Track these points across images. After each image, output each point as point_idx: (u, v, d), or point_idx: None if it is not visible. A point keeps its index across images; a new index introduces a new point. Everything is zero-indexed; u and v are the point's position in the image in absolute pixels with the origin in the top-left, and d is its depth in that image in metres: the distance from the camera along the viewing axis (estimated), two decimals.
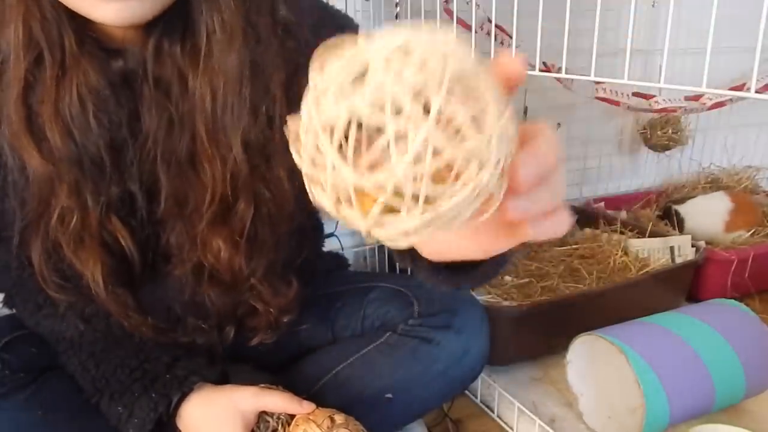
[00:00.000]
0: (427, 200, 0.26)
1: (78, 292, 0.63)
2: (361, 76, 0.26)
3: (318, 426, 0.65)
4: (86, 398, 0.67)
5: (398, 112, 0.25)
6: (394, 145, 0.25)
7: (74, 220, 0.58)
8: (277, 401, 0.67)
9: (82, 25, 0.55)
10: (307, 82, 0.28)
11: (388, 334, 0.77)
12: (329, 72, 0.27)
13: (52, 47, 0.54)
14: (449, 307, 0.78)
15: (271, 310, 0.70)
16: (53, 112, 0.54)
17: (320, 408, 0.68)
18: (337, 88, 0.26)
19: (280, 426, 0.68)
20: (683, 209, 1.58)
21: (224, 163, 0.59)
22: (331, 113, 0.26)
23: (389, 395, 0.75)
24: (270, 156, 0.61)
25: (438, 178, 0.26)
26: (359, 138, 0.26)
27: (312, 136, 0.27)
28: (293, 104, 0.40)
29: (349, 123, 0.26)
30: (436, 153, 0.25)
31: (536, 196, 0.29)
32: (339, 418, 0.67)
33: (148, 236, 0.64)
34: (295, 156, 0.29)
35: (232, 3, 0.56)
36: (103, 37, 0.58)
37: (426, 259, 0.40)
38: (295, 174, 0.49)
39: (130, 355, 0.67)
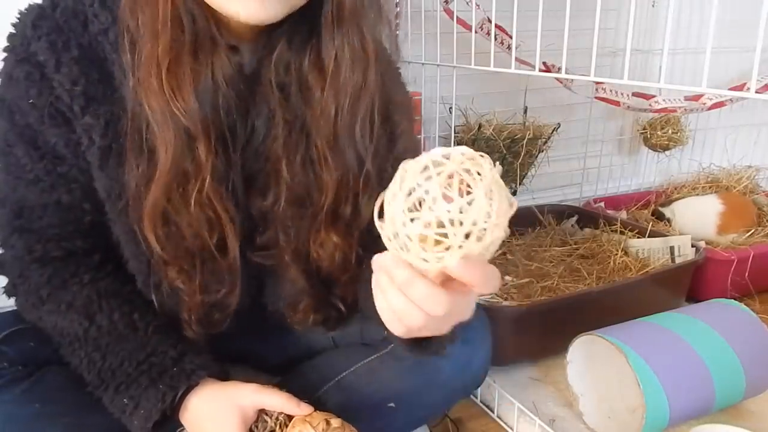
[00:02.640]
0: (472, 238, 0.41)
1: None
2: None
3: (314, 428, 0.65)
4: (88, 391, 0.67)
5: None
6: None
7: (192, 183, 0.62)
8: (275, 400, 0.68)
9: (208, 16, 0.60)
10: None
11: (392, 345, 0.76)
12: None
13: (189, 29, 0.59)
14: None
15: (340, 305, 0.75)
16: (186, 84, 0.59)
17: (318, 411, 0.68)
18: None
19: (277, 427, 0.68)
20: (668, 211, 1.58)
21: (339, 170, 0.66)
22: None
23: (392, 404, 0.75)
24: (365, 167, 0.68)
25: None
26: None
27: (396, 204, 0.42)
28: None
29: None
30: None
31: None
32: (335, 422, 0.67)
33: (247, 229, 0.68)
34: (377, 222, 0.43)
35: (358, 28, 0.62)
36: (222, 32, 0.62)
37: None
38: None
39: (137, 349, 0.67)
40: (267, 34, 0.64)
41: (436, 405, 0.80)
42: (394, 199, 0.42)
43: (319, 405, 0.72)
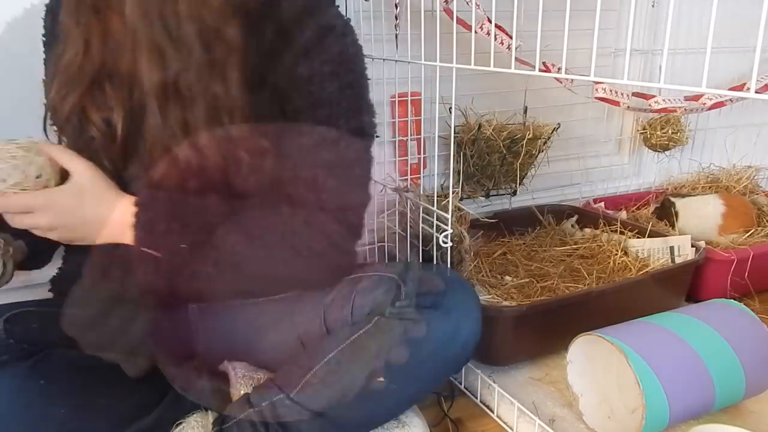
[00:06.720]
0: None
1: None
2: None
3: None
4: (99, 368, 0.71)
5: None
6: None
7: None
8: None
9: None
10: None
11: (376, 318, 0.77)
12: None
13: None
14: (437, 288, 0.77)
15: None
16: None
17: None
18: None
19: None
20: (680, 203, 1.58)
21: None
22: None
23: (381, 379, 0.75)
24: None
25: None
26: None
27: None
28: None
29: None
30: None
31: None
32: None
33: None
34: None
35: None
36: None
37: None
38: None
39: None
40: None
41: (427, 379, 0.79)
42: None
43: (309, 387, 0.75)
